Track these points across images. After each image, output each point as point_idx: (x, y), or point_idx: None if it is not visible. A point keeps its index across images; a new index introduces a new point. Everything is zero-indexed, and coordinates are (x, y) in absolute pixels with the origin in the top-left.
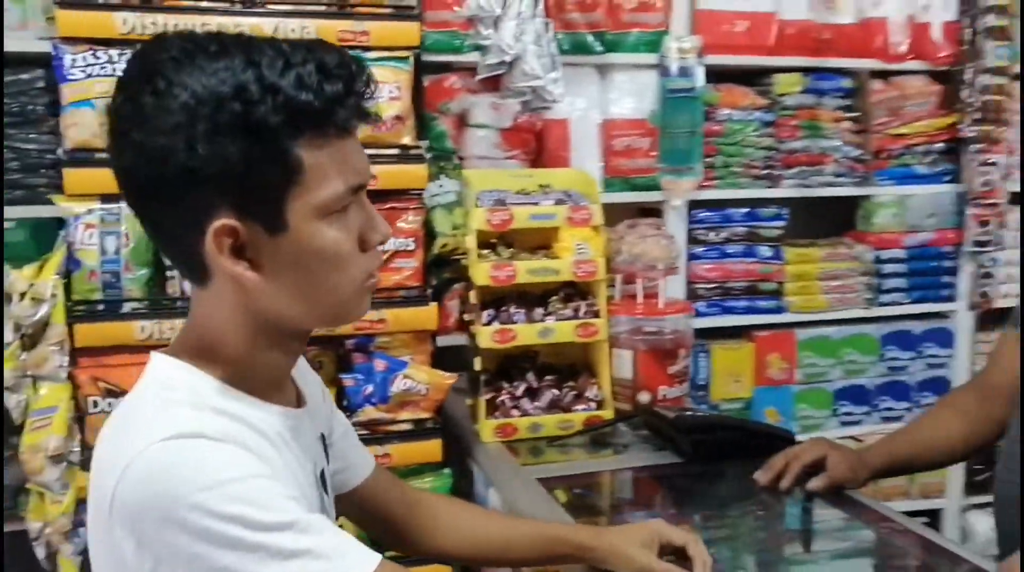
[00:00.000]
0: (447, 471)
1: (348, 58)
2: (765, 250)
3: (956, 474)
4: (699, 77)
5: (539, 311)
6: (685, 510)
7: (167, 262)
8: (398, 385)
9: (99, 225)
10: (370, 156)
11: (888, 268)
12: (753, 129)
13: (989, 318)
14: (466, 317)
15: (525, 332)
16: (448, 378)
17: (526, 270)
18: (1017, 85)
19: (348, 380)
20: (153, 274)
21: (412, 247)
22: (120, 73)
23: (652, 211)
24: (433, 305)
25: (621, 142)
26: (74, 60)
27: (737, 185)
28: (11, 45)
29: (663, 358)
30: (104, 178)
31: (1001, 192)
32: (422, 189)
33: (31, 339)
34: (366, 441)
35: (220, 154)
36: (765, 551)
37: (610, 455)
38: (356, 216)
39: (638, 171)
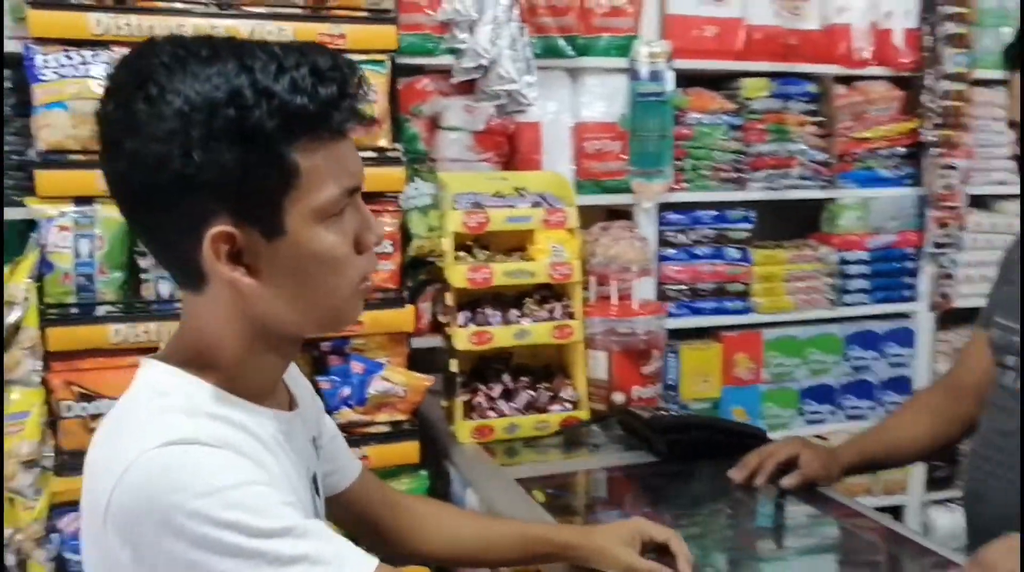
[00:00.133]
0: (424, 473)
1: (341, 60)
2: (733, 252)
3: (918, 471)
4: (669, 81)
5: (514, 313)
6: (661, 508)
7: (143, 265)
8: (375, 387)
9: (73, 227)
10: None
11: (852, 269)
12: (721, 133)
13: (949, 318)
14: (441, 319)
15: (502, 334)
16: (425, 380)
17: (502, 272)
18: (976, 90)
19: (324, 382)
20: (128, 277)
21: (390, 250)
22: (93, 75)
23: (622, 213)
24: (410, 307)
25: (592, 145)
26: (46, 61)
27: (706, 188)
28: None
29: (637, 359)
30: (77, 180)
31: (960, 195)
32: (399, 192)
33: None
34: None
35: (216, 160)
36: (741, 547)
37: (586, 455)
38: (352, 218)
39: (609, 174)
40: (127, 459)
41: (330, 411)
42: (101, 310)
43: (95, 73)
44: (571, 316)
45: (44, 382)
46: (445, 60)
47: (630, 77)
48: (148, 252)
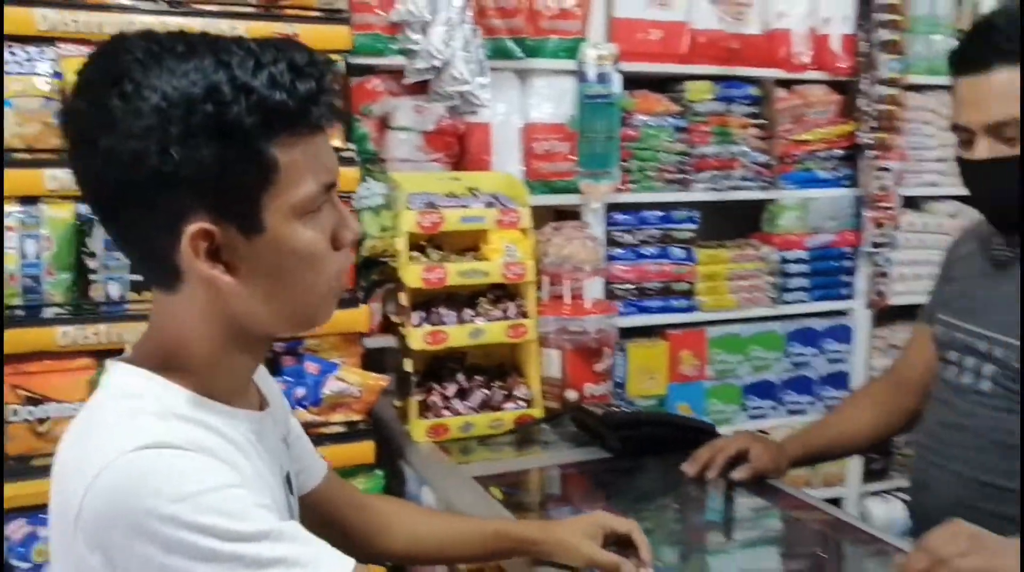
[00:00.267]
0: (379, 472)
1: (317, 56)
2: (678, 251)
3: (855, 464)
4: (616, 83)
5: (468, 312)
6: (616, 503)
7: (91, 266)
8: (330, 387)
9: (18, 228)
10: None
11: (792, 268)
12: (667, 135)
13: (884, 315)
14: (394, 319)
15: (456, 333)
16: (381, 380)
17: (457, 272)
18: (908, 95)
19: (278, 383)
20: (76, 278)
21: None
22: (39, 72)
23: (569, 214)
24: (364, 307)
25: (541, 146)
26: None
27: (652, 189)
28: None
29: (589, 357)
30: (23, 179)
31: (894, 196)
32: (353, 191)
33: None
34: None
35: (194, 156)
36: (695, 539)
37: (541, 452)
38: (329, 214)
39: (557, 174)
40: (99, 463)
41: None
42: (49, 312)
43: (41, 70)
44: (525, 315)
45: None
46: (395, 60)
47: (578, 79)
48: (121, 251)
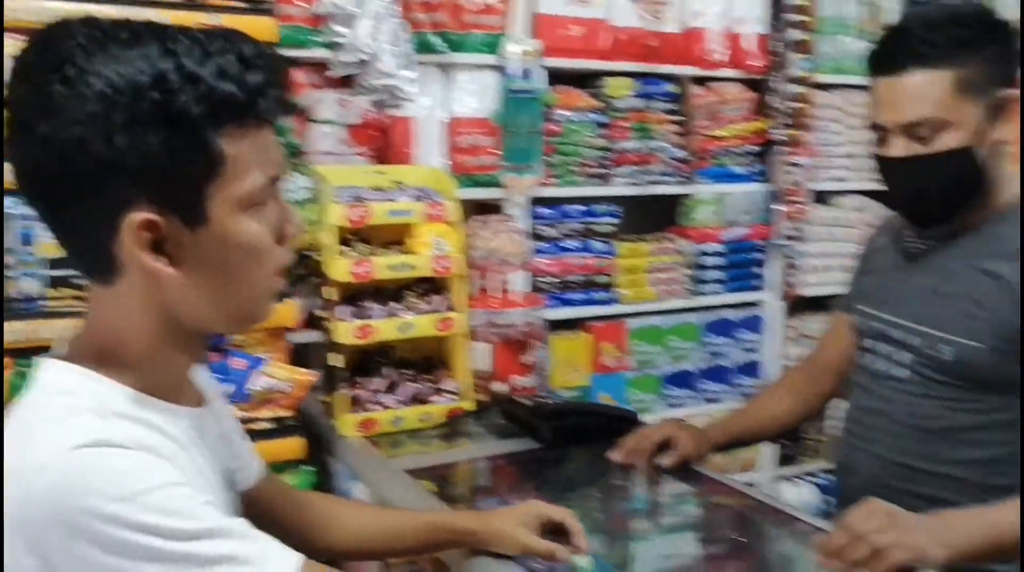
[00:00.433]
0: (309, 468)
1: (265, 49)
2: (599, 245)
3: (768, 449)
4: (538, 79)
5: (396, 306)
6: (548, 492)
7: (7, 262)
8: (258, 383)
9: None
10: None
11: (708, 261)
12: (588, 130)
13: (795, 306)
14: (320, 314)
15: (385, 327)
16: (309, 375)
17: (385, 266)
18: (817, 93)
19: None
20: None
21: None
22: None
23: (493, 208)
24: (291, 302)
25: (465, 140)
26: None
27: (574, 183)
28: None
29: (517, 349)
30: None
31: (804, 191)
32: None
33: None
34: None
35: (139, 145)
36: (624, 525)
37: (471, 444)
38: (273, 209)
39: (481, 168)
40: (35, 464)
41: None
42: None
43: None
44: (453, 309)
45: None
46: (318, 53)
47: (501, 74)
48: (57, 242)
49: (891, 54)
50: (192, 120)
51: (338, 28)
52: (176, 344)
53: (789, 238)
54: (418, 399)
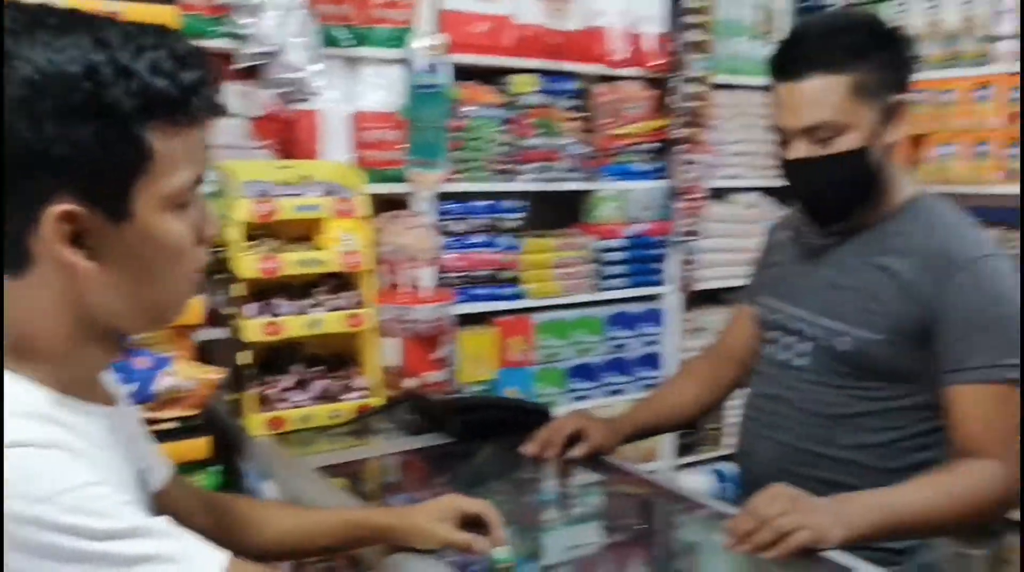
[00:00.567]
0: (216, 469)
1: (198, 48)
2: (505, 240)
3: (669, 439)
4: (445, 74)
5: (305, 303)
6: (461, 487)
7: None
8: (163, 383)
9: None
10: None
11: (610, 256)
12: (494, 126)
13: (692, 299)
14: (226, 311)
15: (294, 324)
16: (216, 373)
17: (292, 261)
18: (715, 93)
19: None
20: None
21: None
22: None
23: (399, 203)
24: (196, 299)
25: (371, 134)
26: None
27: (480, 178)
28: None
29: (427, 345)
30: None
31: (701, 188)
32: None
33: None
34: None
35: (68, 136)
36: (537, 517)
37: (383, 440)
38: (194, 209)
39: (387, 163)
40: None
41: None
42: None
43: None
44: (362, 305)
45: None
46: (220, 44)
47: (407, 68)
48: None
49: (790, 60)
50: (124, 114)
51: (243, 19)
52: (90, 341)
53: (687, 234)
54: (328, 396)
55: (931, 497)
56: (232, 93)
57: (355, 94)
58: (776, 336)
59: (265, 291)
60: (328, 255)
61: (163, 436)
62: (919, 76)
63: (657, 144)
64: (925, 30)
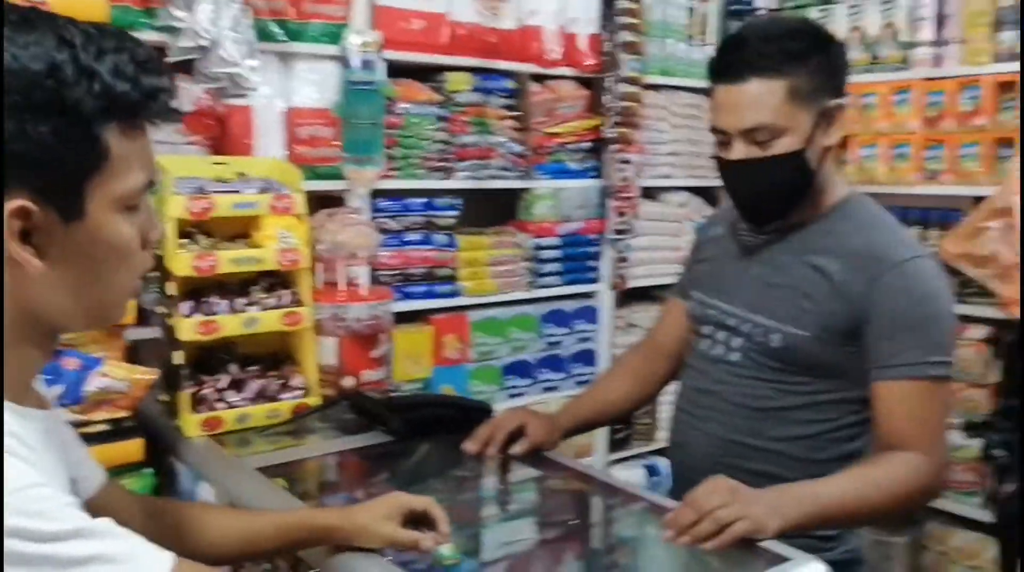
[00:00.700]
0: (148, 471)
1: (156, 54)
2: (441, 238)
3: (601, 434)
4: (379, 71)
5: (241, 301)
6: (402, 485)
7: None
8: (94, 384)
9: None
10: None
11: (545, 254)
12: (429, 123)
13: (624, 297)
14: (159, 309)
15: (229, 323)
16: (149, 374)
17: (229, 259)
18: (646, 93)
19: None
20: None
21: None
22: None
23: (334, 200)
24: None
25: (305, 131)
26: None
27: (415, 176)
28: None
29: (365, 343)
30: None
31: (634, 187)
32: None
33: None
34: None
35: (27, 132)
36: (480, 514)
37: (322, 440)
38: (142, 212)
39: (322, 160)
40: None
41: None
42: None
43: None
44: (300, 303)
45: None
46: (150, 36)
47: (341, 65)
48: None
49: (731, 63)
50: (84, 114)
51: (175, 11)
52: (26, 340)
53: (620, 232)
54: (265, 396)
55: (860, 488)
56: None
57: (289, 90)
58: (709, 331)
59: (199, 289)
60: (265, 253)
61: (94, 439)
62: None
63: (590, 143)
64: (848, 35)
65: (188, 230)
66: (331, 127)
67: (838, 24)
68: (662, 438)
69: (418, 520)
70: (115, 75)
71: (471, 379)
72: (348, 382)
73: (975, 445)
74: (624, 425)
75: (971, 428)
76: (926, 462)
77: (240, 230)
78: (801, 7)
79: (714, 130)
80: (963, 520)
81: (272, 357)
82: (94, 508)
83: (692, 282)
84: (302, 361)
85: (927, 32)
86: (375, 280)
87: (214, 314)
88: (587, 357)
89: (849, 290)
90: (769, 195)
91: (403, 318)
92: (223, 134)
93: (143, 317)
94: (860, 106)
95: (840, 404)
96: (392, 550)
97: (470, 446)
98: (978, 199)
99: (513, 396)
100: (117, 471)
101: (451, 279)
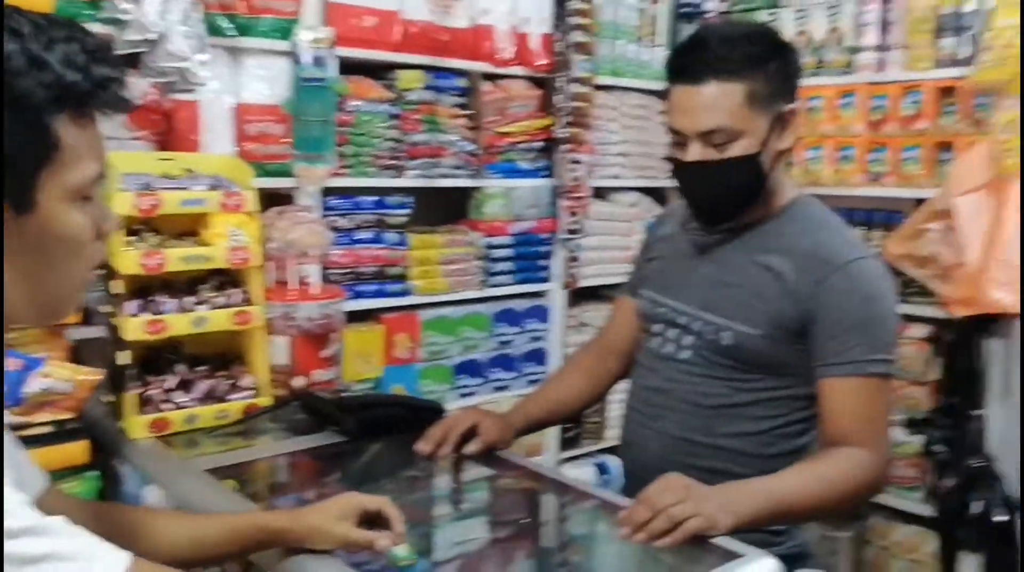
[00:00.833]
0: (93, 474)
1: (108, 43)
2: (392, 236)
3: (552, 433)
4: (331, 67)
5: (189, 300)
6: (357, 485)
7: None
8: (35, 385)
9: None
10: None
11: (497, 253)
12: (381, 121)
13: (575, 296)
14: (104, 308)
15: (177, 322)
16: (93, 374)
17: (177, 257)
18: (597, 94)
19: None
20: None
21: None
22: None
23: (284, 198)
24: None
25: (254, 127)
26: None
27: (366, 174)
28: None
29: (316, 343)
30: None
31: (585, 187)
32: None
33: None
34: None
35: None
36: (433, 514)
37: (272, 440)
38: (94, 203)
39: (271, 157)
40: None
41: None
42: None
43: None
44: (250, 302)
45: None
46: (97, 29)
47: (292, 61)
48: None
49: (691, 64)
50: (34, 104)
51: (122, 4)
52: None
53: (571, 232)
54: (214, 396)
55: (809, 484)
56: None
57: (238, 86)
58: (660, 329)
59: (146, 288)
60: (215, 251)
61: (36, 441)
62: None
63: (542, 143)
64: (795, 39)
65: (135, 227)
66: (281, 124)
67: (785, 28)
68: (612, 437)
69: (372, 521)
70: (65, 64)
71: (422, 378)
72: (299, 382)
73: (916, 441)
74: (574, 424)
75: (912, 425)
76: (870, 457)
77: (188, 228)
78: (750, 11)
79: (670, 130)
80: (904, 515)
81: (221, 357)
82: None
83: (642, 280)
84: (252, 361)
85: (871, 37)
86: (325, 279)
87: (161, 313)
88: (538, 356)
89: (798, 290)
90: (724, 197)
91: (353, 317)
92: (169, 130)
93: (87, 316)
94: (806, 109)
95: (789, 401)
96: (345, 551)
97: (423, 446)
98: (919, 201)
99: (464, 395)
100: (61, 474)
101: (402, 278)
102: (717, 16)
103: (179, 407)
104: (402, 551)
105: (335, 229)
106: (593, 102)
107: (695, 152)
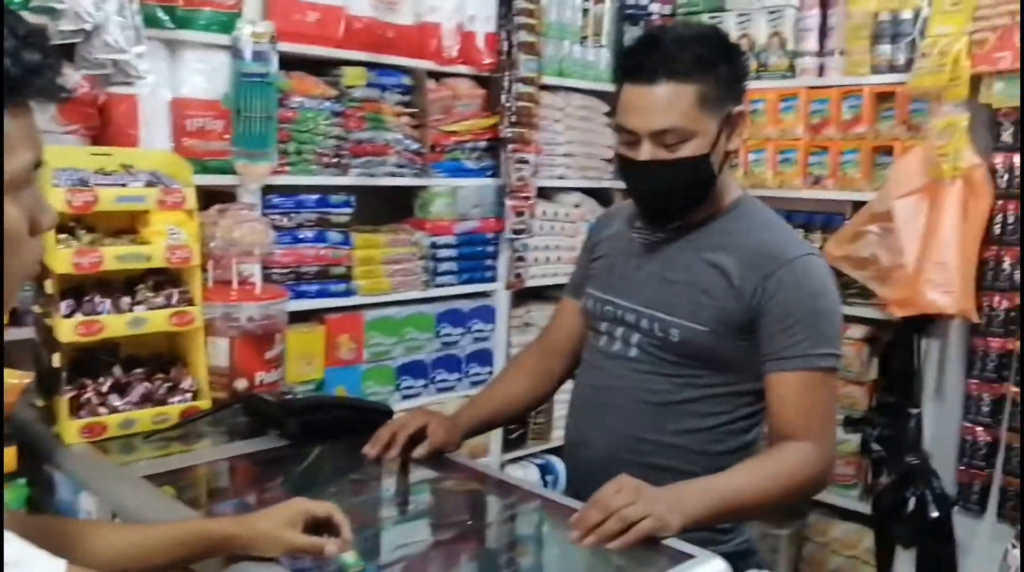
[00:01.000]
0: (21, 481)
1: (41, 29)
2: (335, 236)
3: (496, 434)
4: (273, 63)
5: (126, 300)
6: (301, 490)
7: None
8: None
9: None
10: None
11: (442, 253)
12: (324, 118)
13: (520, 296)
14: (35, 309)
15: (113, 323)
16: (22, 378)
17: (114, 256)
18: (543, 94)
19: None
20: None
21: None
22: None
23: (225, 195)
24: None
25: (193, 123)
26: None
27: (309, 172)
28: None
29: (259, 344)
30: None
31: (531, 186)
32: None
33: None
34: None
35: None
36: (382, 515)
37: (213, 445)
38: (29, 195)
39: (211, 154)
40: None
41: None
42: None
43: None
44: (190, 302)
45: None
46: (28, 18)
47: (233, 55)
48: None
49: (644, 65)
50: None
51: None
52: None
53: (517, 232)
54: (151, 399)
55: (757, 480)
56: None
57: (177, 80)
58: (606, 328)
59: (80, 287)
60: (153, 250)
61: None
62: None
63: (487, 142)
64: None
65: (68, 225)
66: (221, 120)
67: (728, 31)
68: (557, 437)
69: (319, 527)
70: None
71: (365, 380)
72: (241, 384)
73: (854, 440)
74: (519, 424)
75: (850, 423)
76: (817, 451)
77: (125, 225)
78: (694, 13)
79: (621, 129)
80: (842, 511)
81: (160, 359)
82: None
83: (587, 279)
84: (192, 363)
85: (811, 42)
86: (267, 279)
87: (96, 314)
88: (483, 357)
89: (744, 286)
90: (674, 196)
91: (295, 318)
92: (104, 124)
93: (15, 317)
94: (749, 112)
95: (735, 397)
96: (289, 558)
97: (370, 450)
98: (858, 204)
99: (408, 397)
100: None
101: (345, 278)
102: (661, 18)
103: (115, 411)
104: (350, 557)
105: (277, 228)
106: (539, 102)
107: (647, 151)
